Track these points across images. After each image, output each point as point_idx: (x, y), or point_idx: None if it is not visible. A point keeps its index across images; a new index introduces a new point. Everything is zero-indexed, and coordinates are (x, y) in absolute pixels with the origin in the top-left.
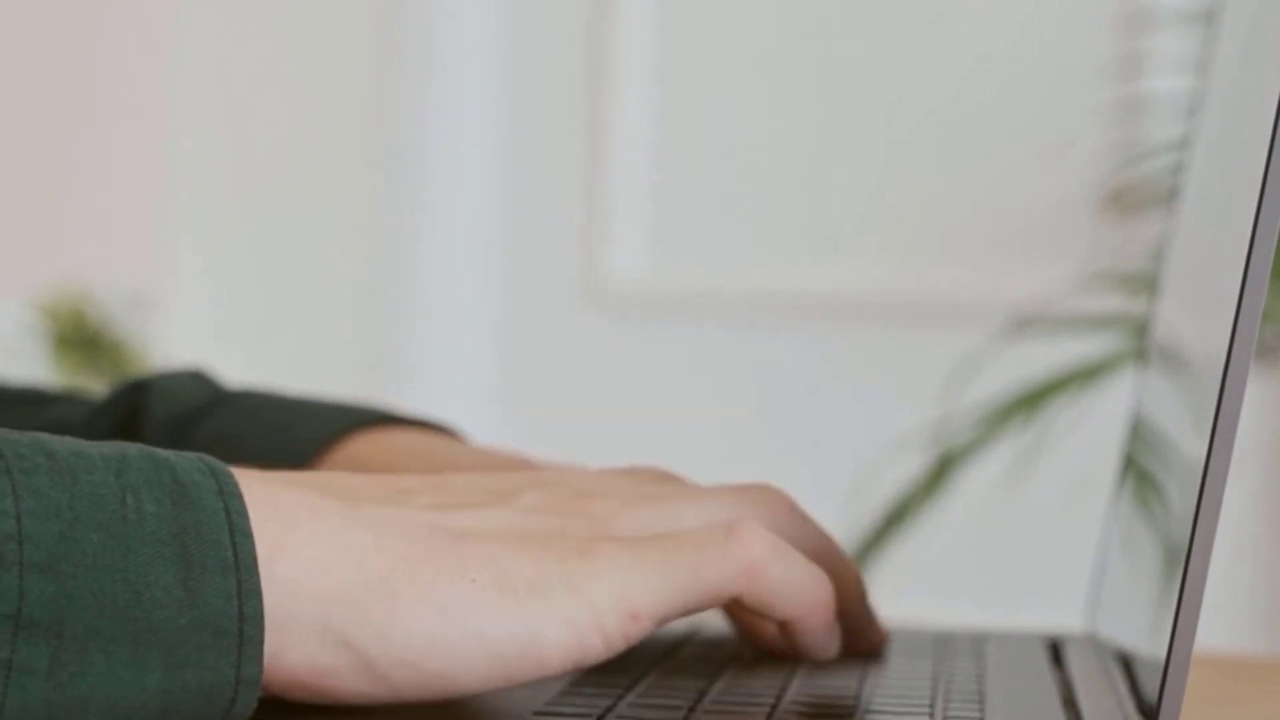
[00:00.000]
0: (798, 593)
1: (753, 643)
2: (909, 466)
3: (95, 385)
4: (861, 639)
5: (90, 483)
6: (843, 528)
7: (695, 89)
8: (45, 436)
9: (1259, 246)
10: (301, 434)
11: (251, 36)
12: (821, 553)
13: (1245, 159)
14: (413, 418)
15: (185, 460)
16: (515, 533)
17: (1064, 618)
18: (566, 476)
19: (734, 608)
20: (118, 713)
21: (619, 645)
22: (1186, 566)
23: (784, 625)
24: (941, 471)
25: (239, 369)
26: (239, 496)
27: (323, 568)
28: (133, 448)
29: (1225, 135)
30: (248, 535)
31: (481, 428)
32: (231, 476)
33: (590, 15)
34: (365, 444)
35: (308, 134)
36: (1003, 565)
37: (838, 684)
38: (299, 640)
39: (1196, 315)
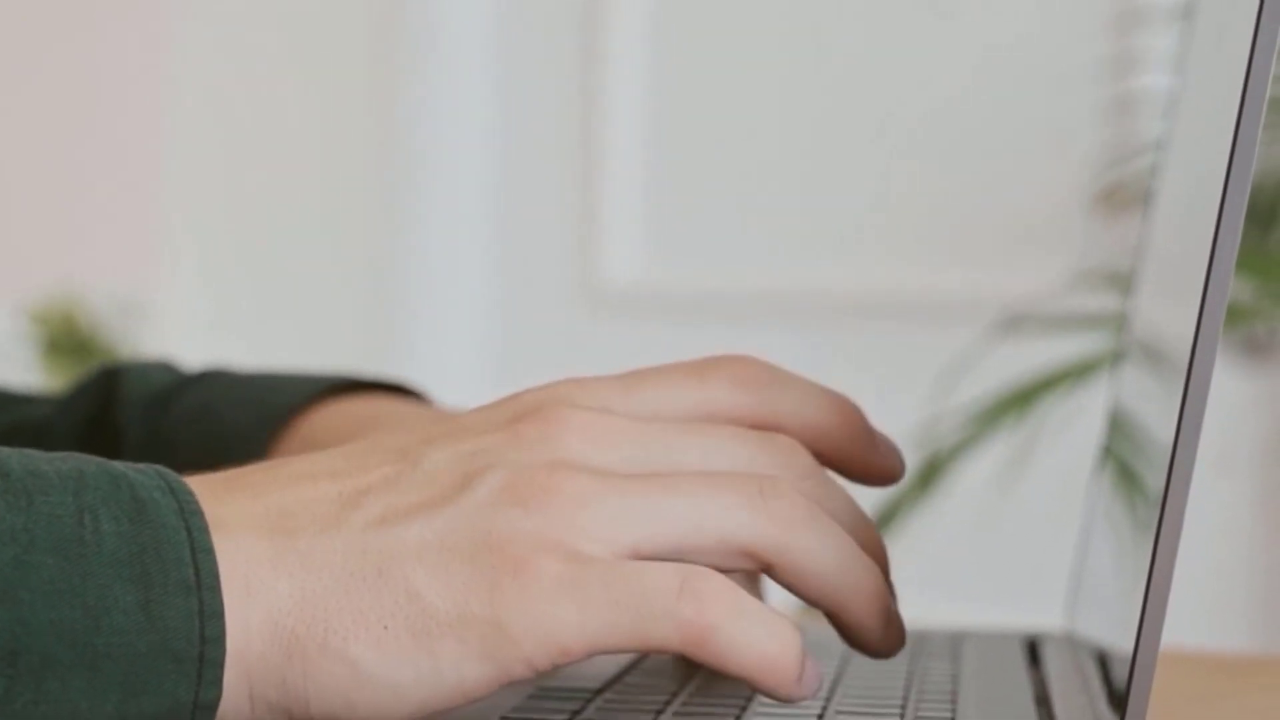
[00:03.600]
0: (750, 655)
1: None
2: None
3: None
4: (873, 478)
5: (47, 504)
6: None
7: (690, 90)
8: (2, 453)
9: (1224, 237)
10: (275, 400)
11: (245, 41)
12: (855, 527)
13: (1212, 156)
14: (381, 381)
15: (144, 475)
16: (449, 544)
17: (1055, 616)
18: (569, 426)
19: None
20: None
21: (548, 671)
22: (1154, 558)
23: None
24: (932, 471)
25: None
26: (199, 513)
27: (248, 633)
28: (91, 463)
29: (1195, 133)
30: (209, 552)
31: None
32: (191, 493)
33: (584, 16)
34: (334, 413)
35: (302, 138)
36: (994, 564)
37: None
38: (234, 703)
39: (1168, 309)
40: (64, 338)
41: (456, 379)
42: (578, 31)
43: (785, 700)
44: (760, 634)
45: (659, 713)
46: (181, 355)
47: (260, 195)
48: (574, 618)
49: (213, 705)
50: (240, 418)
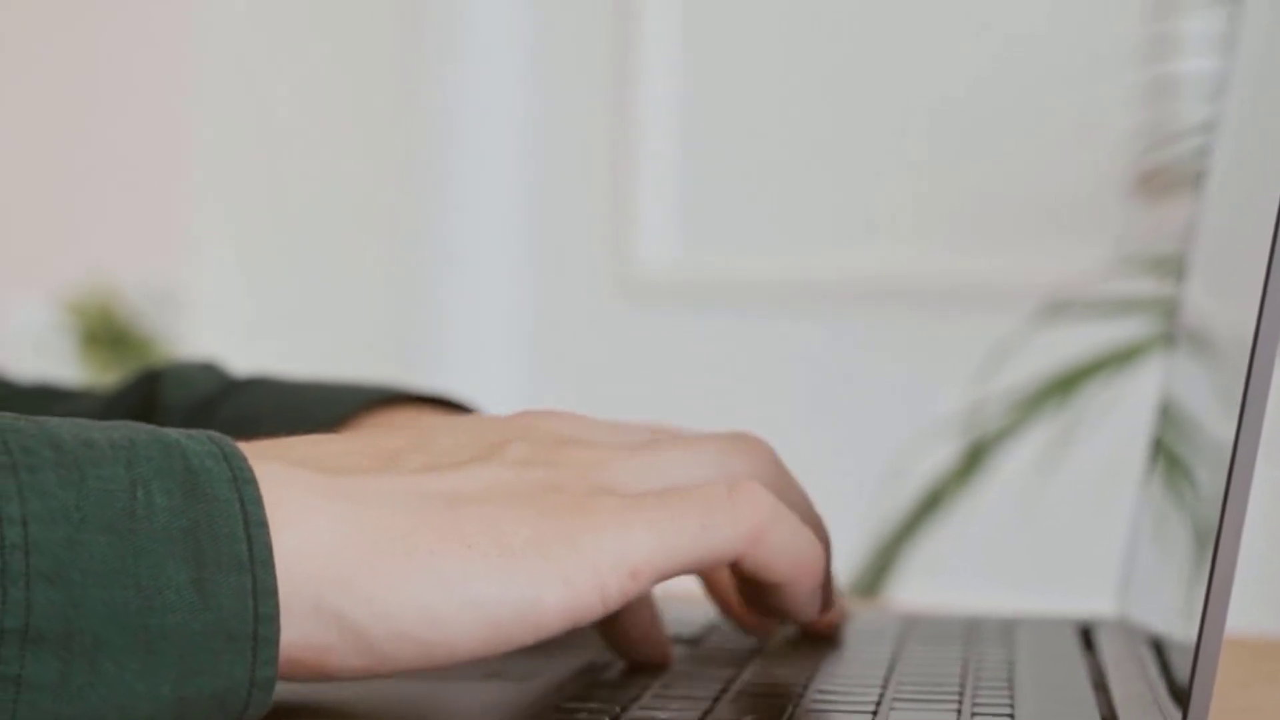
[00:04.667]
0: (794, 556)
1: (722, 607)
2: (942, 452)
3: None
4: (811, 622)
5: (99, 478)
6: (877, 514)
7: (722, 76)
8: (54, 424)
9: None
10: (318, 414)
11: (277, 32)
12: (804, 511)
13: (1270, 139)
14: (426, 393)
15: (196, 442)
16: (508, 490)
17: (1097, 602)
18: (550, 423)
19: (713, 570)
20: None
21: (615, 604)
22: (1216, 549)
23: (774, 588)
24: (975, 457)
25: (265, 364)
26: (253, 482)
27: (313, 545)
28: (143, 432)
29: (1250, 117)
30: (263, 525)
31: None
32: (245, 460)
33: (618, 4)
34: (377, 425)
35: (335, 128)
36: (1036, 550)
37: (863, 672)
38: (294, 621)
39: (1224, 298)
40: (101, 329)
41: (490, 367)
42: (611, 20)
43: (805, 617)
44: (799, 534)
45: (715, 700)
46: (216, 345)
47: (293, 186)
48: (644, 537)
49: (270, 684)
50: (283, 431)
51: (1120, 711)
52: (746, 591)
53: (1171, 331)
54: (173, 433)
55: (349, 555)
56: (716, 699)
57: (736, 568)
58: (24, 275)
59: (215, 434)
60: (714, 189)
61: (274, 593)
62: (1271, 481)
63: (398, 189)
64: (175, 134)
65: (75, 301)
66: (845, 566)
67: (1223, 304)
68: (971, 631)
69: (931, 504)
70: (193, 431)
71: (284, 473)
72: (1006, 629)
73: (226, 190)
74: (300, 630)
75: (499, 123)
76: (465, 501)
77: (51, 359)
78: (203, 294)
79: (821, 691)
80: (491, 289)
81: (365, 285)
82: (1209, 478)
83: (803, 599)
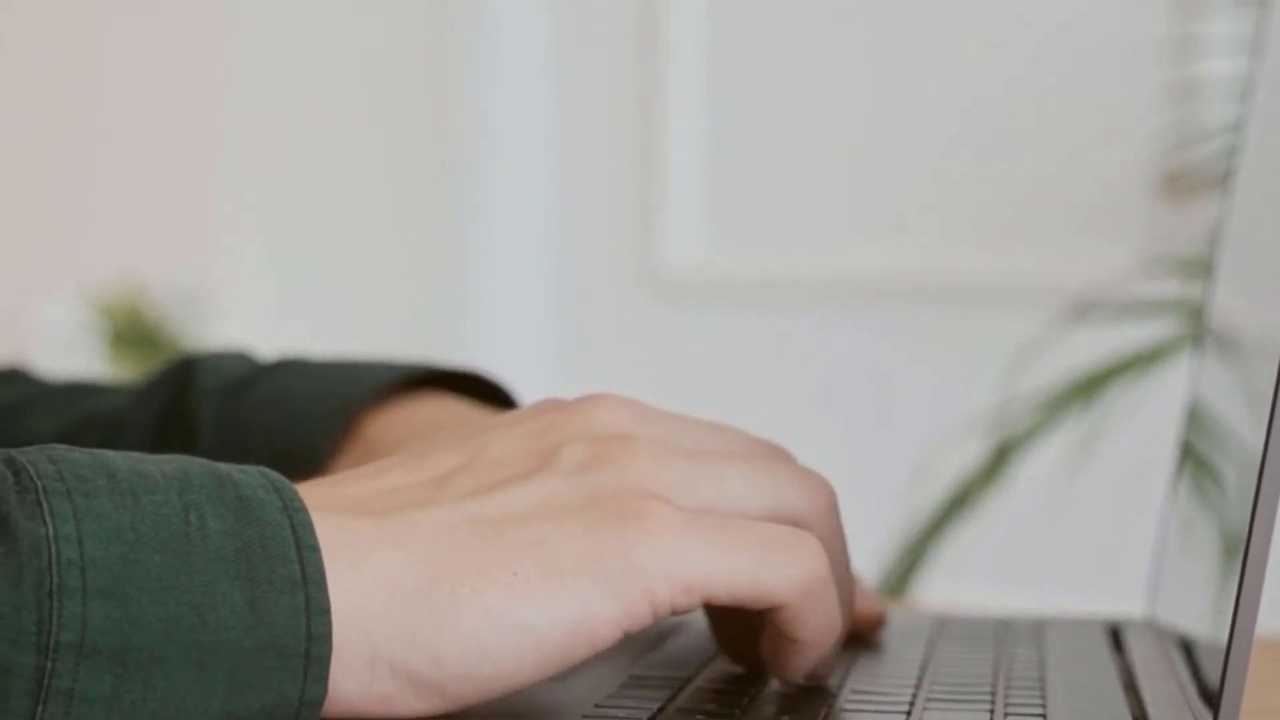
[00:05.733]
0: (828, 623)
1: (723, 647)
2: (969, 452)
3: None
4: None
5: (153, 503)
6: (904, 513)
7: (749, 75)
8: (108, 455)
9: None
10: (346, 391)
11: (306, 32)
12: (843, 566)
13: None
14: (456, 369)
15: (248, 475)
16: (561, 503)
17: (1123, 603)
18: (613, 416)
19: (729, 612)
20: None
21: (664, 615)
22: (1246, 552)
23: (794, 645)
24: (1001, 457)
25: None
26: (303, 510)
27: (362, 599)
28: (195, 464)
29: (1277, 118)
30: (315, 549)
31: None
32: (293, 490)
33: (643, 4)
34: (401, 412)
35: (363, 126)
36: (1062, 551)
37: (897, 672)
38: (352, 671)
39: (1252, 300)
40: (130, 329)
41: (518, 366)
42: (637, 19)
43: (789, 680)
44: (839, 605)
45: (753, 699)
46: (244, 344)
47: (320, 185)
48: (700, 554)
49: (319, 702)
50: (312, 409)
51: (1151, 712)
52: (763, 639)
53: (1198, 333)
54: (224, 466)
55: (399, 604)
56: (753, 699)
57: (770, 616)
58: (54, 275)
59: (266, 469)
60: (740, 188)
61: (326, 611)
62: None
63: (425, 189)
64: (204, 135)
65: (104, 301)
66: (873, 566)
67: (1251, 306)
68: (1002, 632)
69: (958, 503)
70: (244, 467)
71: (334, 522)
72: (1037, 629)
73: (255, 191)
74: (358, 682)
75: (526, 123)
76: (513, 524)
77: (81, 358)
78: (231, 294)
79: (856, 691)
80: (519, 288)
81: (392, 285)
82: (1238, 480)
83: (813, 662)
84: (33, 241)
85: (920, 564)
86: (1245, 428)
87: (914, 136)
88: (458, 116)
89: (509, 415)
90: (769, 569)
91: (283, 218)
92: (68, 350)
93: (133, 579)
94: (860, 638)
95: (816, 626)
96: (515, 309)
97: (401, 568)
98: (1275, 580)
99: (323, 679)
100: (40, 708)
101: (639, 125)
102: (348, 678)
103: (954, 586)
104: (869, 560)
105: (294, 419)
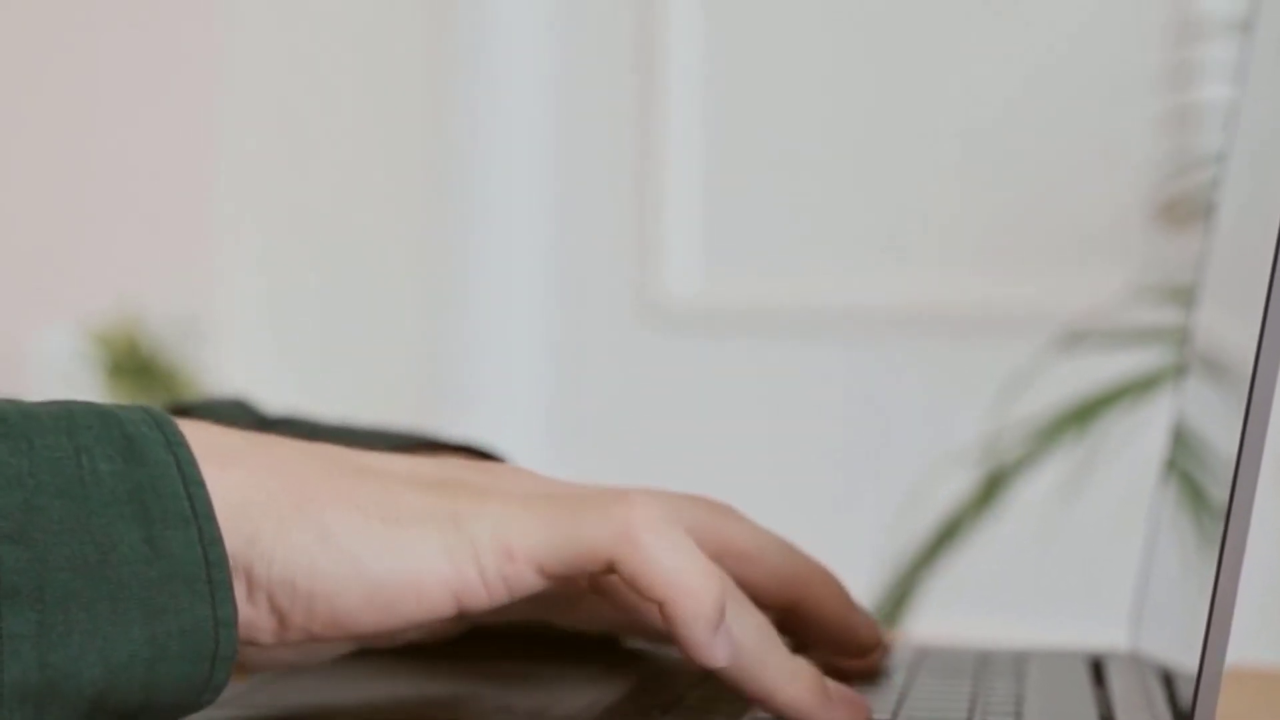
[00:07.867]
0: (671, 573)
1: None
2: (961, 481)
3: None
4: (850, 645)
5: (45, 446)
6: (895, 542)
7: (746, 103)
8: None
9: None
10: None
11: (303, 60)
12: (765, 549)
13: (1273, 167)
14: (454, 442)
15: (131, 413)
16: (423, 477)
17: (1115, 633)
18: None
19: (612, 588)
20: (111, 665)
21: (498, 588)
22: (1218, 576)
23: (661, 610)
24: (993, 487)
25: (292, 393)
26: (185, 445)
27: (226, 488)
28: (77, 404)
29: (1256, 145)
30: (200, 484)
31: (535, 446)
32: (175, 425)
33: (640, 28)
34: None
35: (360, 156)
36: (1054, 580)
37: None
38: None
39: (1230, 324)
40: (126, 359)
41: (515, 396)
42: (635, 46)
43: (698, 658)
44: (687, 562)
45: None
46: (242, 375)
47: (316, 215)
48: (523, 521)
49: (232, 621)
50: None
51: None
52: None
53: (1183, 358)
54: (106, 404)
55: (256, 499)
56: None
57: (622, 580)
58: (50, 305)
59: (147, 405)
60: (738, 218)
61: (219, 540)
62: None
63: (423, 219)
64: (201, 164)
65: (101, 331)
66: (866, 594)
67: (1228, 331)
68: (982, 665)
69: (950, 533)
70: (125, 404)
71: (208, 431)
72: (1018, 662)
73: (252, 220)
74: None
75: (523, 152)
76: (372, 475)
77: (78, 389)
78: (229, 324)
79: None
80: (516, 318)
81: (390, 316)
82: (1215, 508)
83: (682, 624)
84: (28, 270)
85: (912, 593)
86: (1225, 450)
87: (909, 167)
88: (455, 147)
89: None
90: (585, 524)
91: (280, 248)
92: (64, 381)
93: (35, 524)
94: (862, 666)
95: (660, 575)
96: (513, 339)
97: (264, 470)
98: (1254, 610)
99: (229, 600)
100: None
101: (637, 155)
102: None
103: (946, 616)
104: (861, 589)
105: None
